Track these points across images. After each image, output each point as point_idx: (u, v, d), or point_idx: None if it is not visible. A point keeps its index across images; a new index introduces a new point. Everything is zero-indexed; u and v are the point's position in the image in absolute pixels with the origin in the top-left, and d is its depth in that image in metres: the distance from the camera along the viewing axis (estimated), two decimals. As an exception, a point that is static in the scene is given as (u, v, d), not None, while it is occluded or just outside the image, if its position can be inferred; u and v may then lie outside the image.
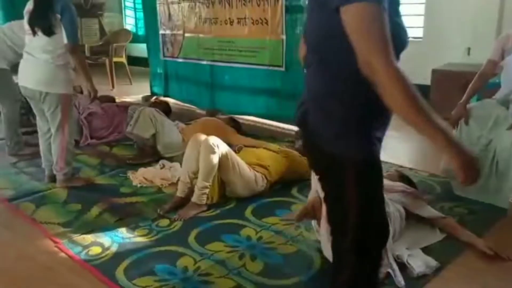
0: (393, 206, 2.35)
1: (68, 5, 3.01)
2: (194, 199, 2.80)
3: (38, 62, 3.06)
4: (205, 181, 2.77)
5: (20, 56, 3.31)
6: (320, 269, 2.21)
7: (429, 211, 2.51)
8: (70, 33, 3.02)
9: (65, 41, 3.04)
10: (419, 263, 2.17)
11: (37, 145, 4.11)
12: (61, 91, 3.06)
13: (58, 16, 2.98)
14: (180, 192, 2.89)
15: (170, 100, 6.03)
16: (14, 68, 3.52)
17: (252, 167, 2.96)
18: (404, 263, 2.18)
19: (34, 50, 3.06)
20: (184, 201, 2.86)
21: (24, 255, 2.42)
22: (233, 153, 2.91)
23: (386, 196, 2.36)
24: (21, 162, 3.81)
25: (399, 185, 2.58)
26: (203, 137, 2.86)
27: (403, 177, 2.84)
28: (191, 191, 2.86)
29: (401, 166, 3.52)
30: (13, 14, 6.83)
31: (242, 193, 2.92)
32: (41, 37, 3.01)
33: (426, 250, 2.32)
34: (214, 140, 2.80)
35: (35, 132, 4.44)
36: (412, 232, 2.46)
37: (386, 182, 2.59)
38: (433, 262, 2.20)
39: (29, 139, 4.29)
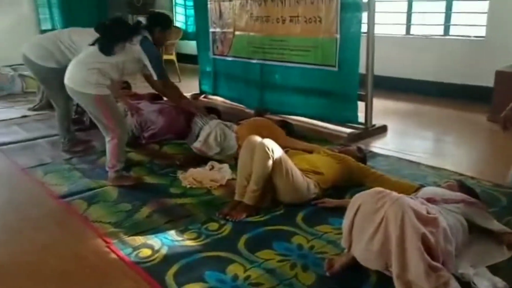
0: (454, 217, 2.19)
1: (150, 41, 3.20)
2: (245, 200, 2.74)
3: (81, 66, 3.18)
4: (256, 184, 2.70)
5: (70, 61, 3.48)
6: (377, 283, 2.08)
7: (496, 224, 2.33)
8: (157, 69, 3.21)
9: (154, 77, 3.24)
10: (486, 283, 2.00)
11: (89, 141, 4.25)
12: (92, 92, 3.11)
13: (133, 46, 3.12)
14: (238, 196, 2.82)
15: (218, 99, 6.04)
16: None
17: (305, 173, 2.86)
18: (469, 282, 2.02)
19: (87, 57, 3.21)
20: None
21: (77, 254, 2.43)
22: (287, 158, 2.81)
23: (446, 206, 2.22)
24: (74, 159, 3.88)
25: (459, 195, 2.40)
26: (258, 139, 2.78)
27: (464, 187, 2.65)
28: None
29: (461, 175, 3.31)
30: (71, 19, 7.00)
31: (293, 200, 2.82)
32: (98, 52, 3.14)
33: (492, 268, 2.13)
34: (268, 143, 2.72)
35: (87, 129, 4.60)
36: (476, 248, 2.28)
37: (444, 191, 2.45)
38: (501, 283, 2.02)
39: (82, 135, 4.39)
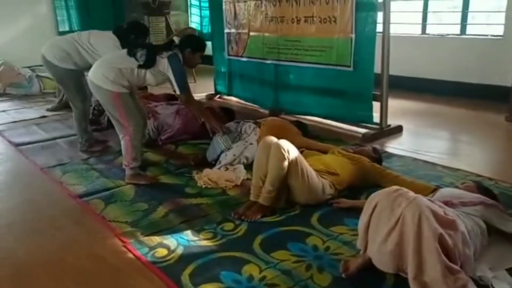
0: (472, 221, 2.16)
1: (178, 58, 3.27)
2: (260, 200, 2.75)
3: (106, 63, 3.26)
4: (271, 185, 2.71)
5: (88, 63, 3.62)
6: (394, 285, 2.07)
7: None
8: (180, 85, 3.27)
9: (177, 92, 3.31)
10: (506, 286, 1.98)
11: (106, 141, 4.30)
12: (108, 87, 3.17)
13: (161, 59, 3.21)
14: (253, 197, 2.83)
15: (232, 99, 6.07)
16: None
17: (320, 174, 2.86)
18: (488, 285, 2.00)
19: (114, 56, 3.33)
20: None
21: (95, 254, 2.47)
22: (303, 159, 2.81)
23: (464, 210, 2.18)
24: (91, 159, 3.93)
25: (477, 196, 2.37)
26: (273, 140, 2.78)
27: (481, 189, 2.61)
28: None
29: (478, 175, 3.27)
30: (88, 21, 7.08)
31: (308, 201, 2.82)
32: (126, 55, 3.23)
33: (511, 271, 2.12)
34: (284, 144, 2.72)
35: (104, 129, 4.67)
36: (495, 250, 2.25)
37: (462, 193, 2.42)
38: (520, 286, 2.00)
39: (99, 136, 4.44)
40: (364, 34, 4.08)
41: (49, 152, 4.15)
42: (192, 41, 3.47)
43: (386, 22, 4.05)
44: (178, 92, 3.33)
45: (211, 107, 4.55)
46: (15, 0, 7.80)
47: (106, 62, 3.28)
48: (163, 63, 3.22)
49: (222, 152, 3.57)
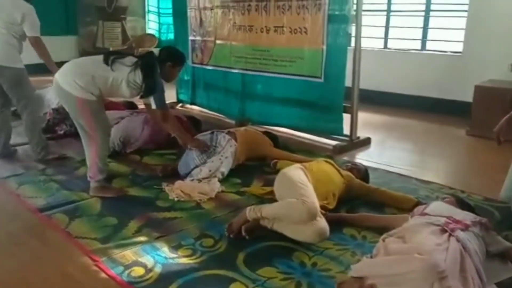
0: (481, 244, 2.06)
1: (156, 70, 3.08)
2: (247, 212, 2.55)
3: (77, 67, 3.02)
4: (266, 217, 2.50)
5: None
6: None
7: (503, 244, 2.28)
8: (158, 99, 3.11)
9: (153, 106, 3.12)
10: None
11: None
12: (77, 94, 2.94)
13: (137, 71, 2.99)
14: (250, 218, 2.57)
15: (195, 108, 5.91)
16: None
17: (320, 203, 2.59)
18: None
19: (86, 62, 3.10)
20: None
21: (63, 273, 2.25)
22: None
23: (474, 230, 2.09)
24: (49, 169, 3.66)
25: (469, 215, 2.32)
26: (309, 198, 2.45)
27: (461, 203, 2.59)
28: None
29: (451, 188, 3.32)
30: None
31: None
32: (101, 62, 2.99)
33: (500, 285, 2.11)
34: (316, 205, 2.47)
35: (59, 138, 4.38)
36: (484, 265, 2.23)
37: (452, 208, 2.37)
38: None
39: (54, 145, 4.16)
40: (335, 46, 4.07)
41: (1, 162, 3.83)
42: (173, 54, 3.27)
43: (358, 35, 4.08)
44: (154, 107, 3.13)
45: (178, 117, 4.38)
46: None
47: (78, 67, 3.02)
48: (139, 75, 3.00)
49: (196, 167, 3.41)
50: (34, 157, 3.88)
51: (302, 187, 2.54)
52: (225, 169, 3.41)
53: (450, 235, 2.01)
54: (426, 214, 2.22)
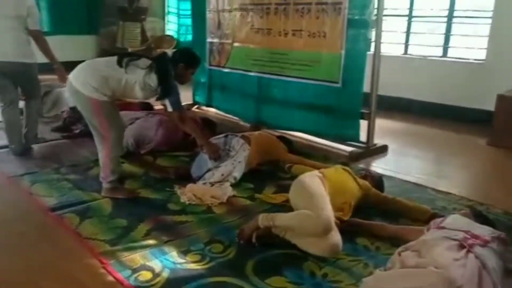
0: (493, 258, 1.96)
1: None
2: (259, 220, 2.49)
3: (90, 68, 3.00)
4: (280, 226, 2.45)
5: None
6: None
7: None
8: (173, 101, 3.04)
9: (169, 109, 3.08)
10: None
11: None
12: (89, 94, 2.92)
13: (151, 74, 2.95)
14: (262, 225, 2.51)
15: (211, 111, 5.89)
16: None
17: (335, 214, 2.53)
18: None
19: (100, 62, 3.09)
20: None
21: (70, 276, 2.23)
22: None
23: (492, 246, 1.99)
24: (63, 168, 3.67)
25: (487, 229, 2.24)
26: (325, 212, 2.39)
27: (478, 216, 2.50)
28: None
29: (470, 200, 3.22)
30: (60, 24, 6.78)
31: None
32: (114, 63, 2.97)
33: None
34: (331, 219, 2.41)
35: (75, 137, 4.41)
36: (501, 284, 2.14)
37: (469, 222, 2.27)
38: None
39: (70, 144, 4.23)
40: (354, 51, 4.01)
41: (17, 160, 3.86)
42: (187, 56, 3.22)
43: (378, 41, 4.00)
44: (170, 109, 3.09)
45: (194, 119, 4.36)
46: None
47: (92, 68, 3.00)
48: (153, 77, 2.97)
49: (208, 170, 3.37)
50: (27, 144, 4.02)
51: (318, 198, 2.48)
52: (237, 173, 3.37)
53: (468, 251, 1.93)
54: (443, 227, 2.15)
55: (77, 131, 4.54)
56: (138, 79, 2.95)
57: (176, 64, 3.10)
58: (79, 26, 8.98)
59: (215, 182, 3.26)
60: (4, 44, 3.66)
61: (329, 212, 2.40)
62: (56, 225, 2.75)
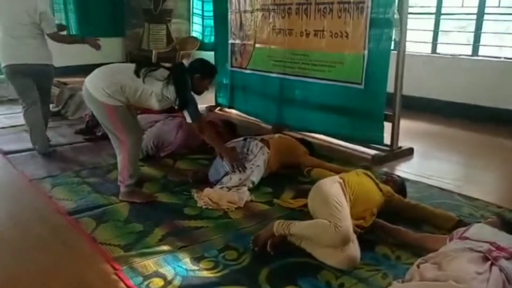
0: None
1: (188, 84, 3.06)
2: (275, 227, 2.43)
3: (106, 75, 3.00)
4: (294, 234, 2.40)
5: None
6: None
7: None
8: (192, 113, 3.05)
9: (188, 120, 3.08)
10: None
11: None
12: (104, 100, 2.92)
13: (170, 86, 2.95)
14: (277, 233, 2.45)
15: (233, 112, 5.85)
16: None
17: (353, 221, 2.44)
18: None
19: (117, 69, 3.07)
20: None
21: (83, 281, 2.23)
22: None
23: (510, 263, 1.85)
24: (84, 171, 3.69)
25: None
26: (343, 222, 2.29)
27: (507, 224, 2.36)
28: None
29: (499, 207, 3.06)
30: (87, 25, 6.95)
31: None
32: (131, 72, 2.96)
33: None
34: (349, 230, 2.33)
35: (97, 139, 4.44)
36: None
37: (496, 232, 2.15)
38: None
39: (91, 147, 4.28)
40: (377, 51, 3.88)
41: (39, 162, 3.91)
42: (203, 66, 3.20)
43: (402, 40, 3.86)
44: (189, 121, 3.08)
45: (213, 122, 4.33)
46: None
47: (109, 75, 2.99)
48: (171, 89, 2.94)
49: (226, 174, 3.32)
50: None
51: (337, 206, 2.37)
52: (255, 178, 3.31)
53: (492, 264, 1.82)
54: (466, 238, 2.03)
55: (99, 133, 4.57)
56: (155, 91, 2.94)
57: (192, 75, 3.08)
58: (105, 28, 9.12)
59: (232, 186, 3.21)
60: (24, 49, 3.84)
61: (347, 222, 2.31)
62: (72, 229, 2.76)
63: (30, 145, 4.18)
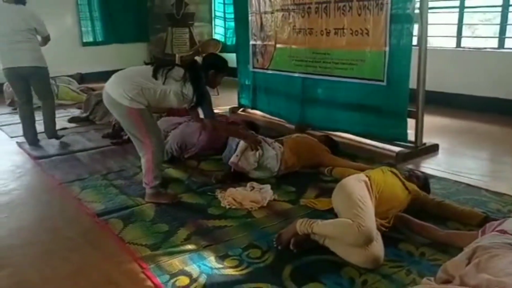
0: None
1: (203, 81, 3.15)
2: (297, 226, 2.44)
3: (126, 79, 3.06)
4: (317, 233, 2.40)
5: None
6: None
7: None
8: (206, 110, 3.16)
9: (202, 115, 3.23)
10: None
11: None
12: (126, 104, 2.98)
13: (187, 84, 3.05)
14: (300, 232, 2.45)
15: (257, 113, 5.88)
16: None
17: (377, 221, 2.44)
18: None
19: (136, 73, 3.12)
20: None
21: (111, 280, 2.29)
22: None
23: None
24: (111, 174, 3.78)
25: None
26: (366, 222, 2.26)
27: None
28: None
29: (527, 202, 3.00)
30: (112, 32, 7.09)
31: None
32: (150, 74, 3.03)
33: None
34: (373, 230, 2.30)
35: (124, 143, 4.54)
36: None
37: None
38: None
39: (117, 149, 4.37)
40: (398, 47, 3.85)
41: (68, 166, 4.03)
42: (216, 62, 3.31)
43: (423, 35, 3.83)
44: (204, 117, 3.20)
45: (235, 122, 4.38)
46: (42, 12, 7.81)
47: (127, 79, 3.06)
48: (189, 87, 3.04)
49: (238, 144, 3.50)
50: (48, 135, 4.73)
51: (361, 205, 2.35)
52: (272, 164, 3.49)
53: None
54: (504, 232, 1.89)
55: (126, 137, 4.65)
56: (173, 90, 3.03)
57: (206, 71, 3.17)
58: (130, 34, 9.35)
59: (238, 156, 3.40)
60: (20, 53, 4.33)
61: (371, 222, 2.29)
62: (101, 230, 2.84)
63: (58, 150, 4.36)
